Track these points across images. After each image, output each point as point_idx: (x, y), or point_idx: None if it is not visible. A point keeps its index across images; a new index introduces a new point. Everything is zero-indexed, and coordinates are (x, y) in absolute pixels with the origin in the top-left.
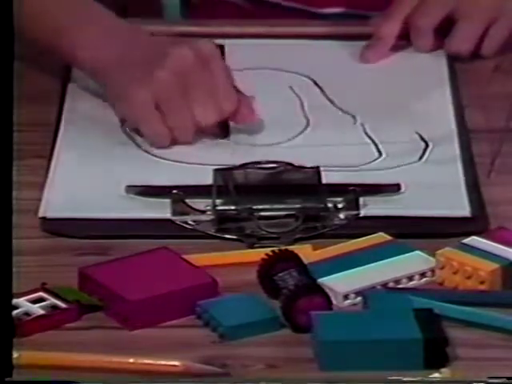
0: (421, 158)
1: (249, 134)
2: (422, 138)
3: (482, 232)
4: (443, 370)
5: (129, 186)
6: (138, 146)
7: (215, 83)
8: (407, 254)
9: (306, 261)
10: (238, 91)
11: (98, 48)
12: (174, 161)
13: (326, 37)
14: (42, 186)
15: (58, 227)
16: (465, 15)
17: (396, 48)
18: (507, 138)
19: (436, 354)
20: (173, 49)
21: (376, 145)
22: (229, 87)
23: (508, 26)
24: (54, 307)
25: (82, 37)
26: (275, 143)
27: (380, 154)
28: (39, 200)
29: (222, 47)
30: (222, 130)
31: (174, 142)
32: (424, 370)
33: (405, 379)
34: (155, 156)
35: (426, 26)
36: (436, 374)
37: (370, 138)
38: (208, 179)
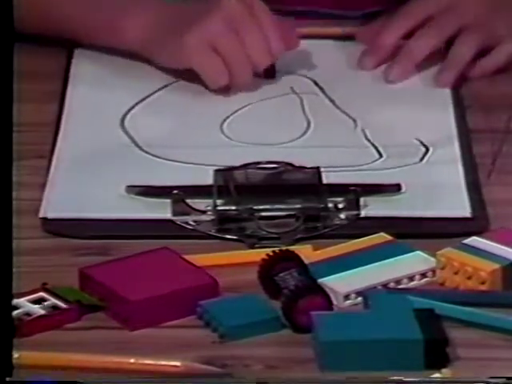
0: (421, 159)
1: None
2: (422, 143)
3: (482, 232)
4: (444, 370)
5: (129, 187)
6: (138, 146)
7: (264, 28)
8: (408, 255)
9: (306, 261)
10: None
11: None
12: (173, 161)
13: (326, 37)
14: (42, 186)
15: (58, 227)
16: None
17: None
18: (508, 138)
19: (436, 354)
20: (219, 2)
21: (376, 148)
22: (276, 31)
23: None
24: (55, 307)
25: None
26: (276, 144)
27: (380, 155)
28: (39, 200)
29: None
30: (269, 71)
31: (232, 82)
32: (424, 371)
33: (405, 379)
34: (155, 156)
35: (467, 57)
36: (437, 374)
37: (369, 141)
38: (208, 179)
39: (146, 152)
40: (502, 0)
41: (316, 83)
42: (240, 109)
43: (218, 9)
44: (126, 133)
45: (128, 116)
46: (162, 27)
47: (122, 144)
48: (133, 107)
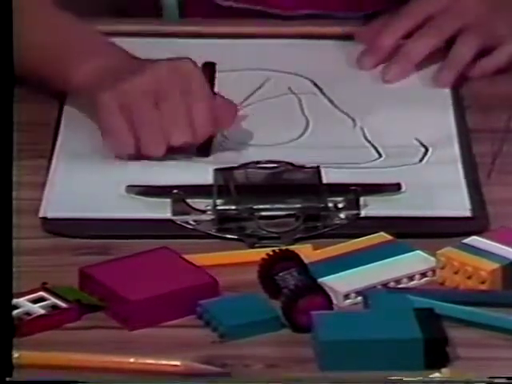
0: (421, 160)
1: (236, 141)
2: (422, 144)
3: (482, 232)
4: (443, 369)
5: (129, 186)
6: None
7: (191, 104)
8: (408, 254)
9: (306, 260)
10: (221, 97)
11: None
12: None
13: (326, 37)
14: (42, 186)
15: (58, 227)
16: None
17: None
18: (508, 138)
19: (436, 353)
20: (151, 63)
21: (375, 148)
22: (205, 110)
23: None
24: (55, 307)
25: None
26: (275, 144)
27: (380, 155)
28: (39, 200)
29: (212, 65)
30: (202, 149)
31: (143, 154)
32: (424, 370)
33: (405, 379)
34: None
35: (467, 57)
36: (436, 374)
37: (369, 142)
38: (208, 177)
39: None
40: (503, 0)
41: (314, 83)
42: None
43: (144, 71)
44: None
45: None
46: (99, 79)
47: None
48: None
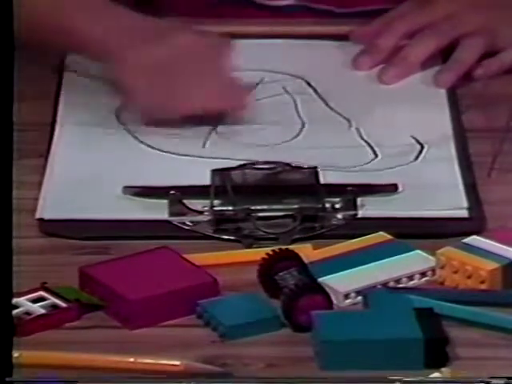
0: (416, 158)
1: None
2: (418, 141)
3: (479, 232)
4: (443, 369)
5: (126, 187)
6: (138, 139)
7: (203, 80)
8: (408, 254)
9: (306, 260)
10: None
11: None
12: (171, 153)
13: (326, 37)
14: (41, 186)
15: (55, 228)
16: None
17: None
18: (508, 137)
19: (436, 353)
20: (170, 31)
21: (371, 147)
22: (216, 87)
23: None
24: (55, 306)
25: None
26: (271, 144)
27: (376, 155)
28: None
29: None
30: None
31: (160, 115)
32: (424, 370)
33: (405, 379)
34: (154, 148)
35: (469, 61)
36: (436, 374)
37: (365, 141)
38: (206, 177)
39: (146, 145)
40: (506, 4)
41: (309, 84)
42: None
43: (163, 39)
44: (123, 128)
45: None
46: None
47: (119, 141)
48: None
